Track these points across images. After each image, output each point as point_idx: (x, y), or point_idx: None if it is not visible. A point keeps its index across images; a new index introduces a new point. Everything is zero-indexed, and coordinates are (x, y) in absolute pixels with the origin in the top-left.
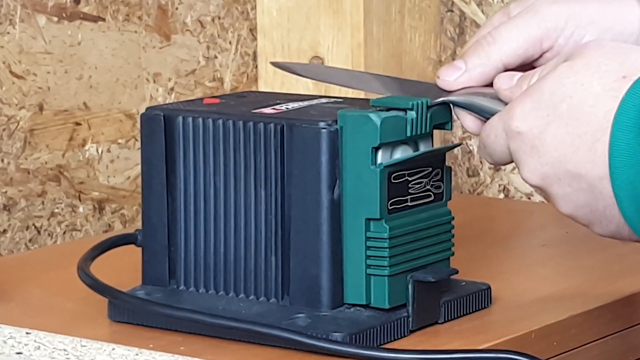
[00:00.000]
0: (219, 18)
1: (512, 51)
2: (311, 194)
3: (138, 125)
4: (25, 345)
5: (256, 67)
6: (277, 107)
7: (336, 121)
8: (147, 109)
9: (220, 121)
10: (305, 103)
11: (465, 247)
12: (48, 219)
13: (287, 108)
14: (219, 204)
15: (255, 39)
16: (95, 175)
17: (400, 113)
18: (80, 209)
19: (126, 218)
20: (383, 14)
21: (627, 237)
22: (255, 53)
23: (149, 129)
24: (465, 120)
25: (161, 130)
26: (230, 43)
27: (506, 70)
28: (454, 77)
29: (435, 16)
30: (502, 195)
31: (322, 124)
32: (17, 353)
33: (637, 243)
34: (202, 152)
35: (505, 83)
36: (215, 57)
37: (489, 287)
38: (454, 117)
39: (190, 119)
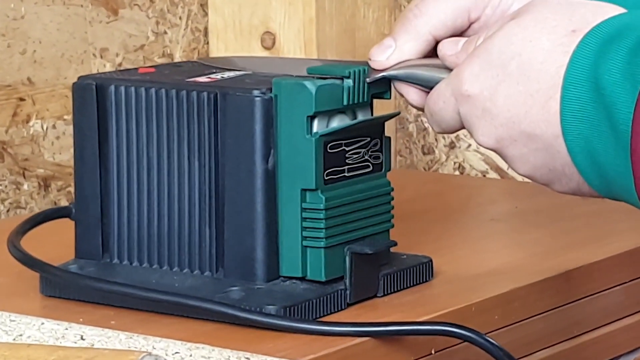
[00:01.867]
0: None
1: (440, 23)
2: (245, 163)
3: None
4: None
5: (207, 43)
6: (212, 76)
7: (270, 89)
8: (79, 77)
9: (153, 90)
10: (241, 72)
11: (413, 222)
12: None
13: (222, 77)
14: (152, 175)
15: (206, 14)
16: (41, 152)
17: (337, 81)
18: (25, 186)
19: (72, 196)
20: None
21: (587, 193)
22: (206, 29)
23: (81, 98)
24: (409, 93)
25: (93, 100)
26: (180, 18)
27: (436, 42)
28: (386, 56)
29: None
30: (457, 173)
31: (255, 92)
32: None
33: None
34: (134, 122)
35: (450, 49)
36: (165, 32)
37: (431, 260)
38: (398, 91)
39: (122, 88)
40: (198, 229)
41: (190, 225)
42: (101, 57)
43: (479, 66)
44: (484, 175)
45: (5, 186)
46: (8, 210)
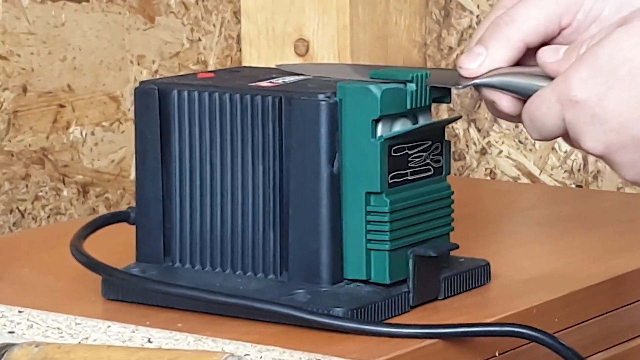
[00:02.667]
0: (203, 0)
1: (532, 29)
2: (310, 167)
3: (122, 107)
4: (18, 324)
5: (240, 50)
6: (273, 80)
7: (335, 93)
8: (141, 82)
9: (217, 94)
10: (302, 77)
11: (460, 226)
12: (32, 202)
13: (283, 81)
14: (215, 179)
15: (239, 21)
16: (80, 159)
17: (400, 85)
18: (65, 193)
19: (110, 202)
20: None
21: None
22: (239, 36)
23: (143, 103)
24: (502, 100)
25: (155, 105)
26: (214, 26)
27: (527, 49)
28: (477, 64)
29: None
30: (488, 179)
31: (321, 96)
32: (10, 332)
33: (630, 222)
34: (197, 127)
35: (551, 56)
36: (199, 39)
37: (488, 264)
38: (488, 99)
39: (185, 93)
40: (262, 232)
41: (254, 229)
42: (138, 64)
43: (587, 72)
44: (516, 181)
45: (46, 192)
46: (48, 217)
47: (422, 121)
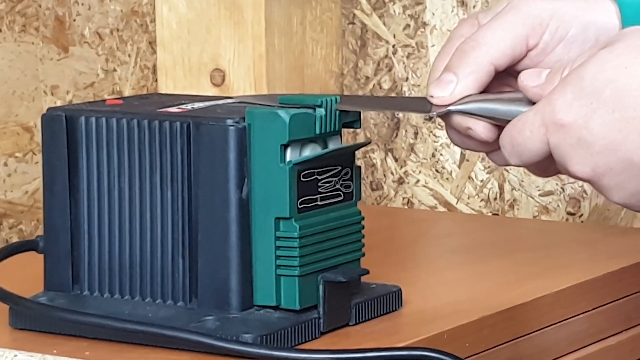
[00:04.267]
0: (118, 30)
1: (500, 52)
2: (219, 193)
3: (36, 138)
4: None
5: (156, 80)
6: (182, 106)
7: (244, 118)
8: (48, 109)
9: (125, 120)
10: (211, 103)
11: (373, 253)
12: None
13: (192, 107)
14: (124, 206)
15: (154, 52)
16: None
17: (309, 110)
18: None
19: (24, 234)
20: (284, 25)
21: None
22: (155, 66)
23: (51, 130)
24: (478, 127)
25: (63, 131)
26: (129, 56)
27: (496, 72)
28: (449, 91)
29: (336, 28)
30: (406, 208)
31: (229, 121)
32: None
33: (545, 248)
34: (105, 153)
35: (534, 80)
36: (115, 70)
37: (400, 290)
38: (463, 126)
39: (93, 119)
40: (171, 259)
41: (163, 256)
42: (52, 94)
43: (571, 94)
44: (433, 210)
45: None
46: None
47: (331, 146)
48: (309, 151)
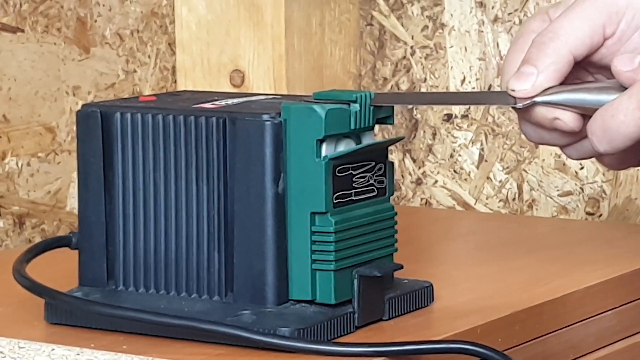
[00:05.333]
0: (138, 31)
1: (579, 41)
2: (255, 187)
3: (58, 138)
4: None
5: (175, 81)
6: (216, 102)
7: (279, 114)
8: (83, 106)
9: (160, 116)
10: (245, 99)
11: (400, 250)
12: None
13: (227, 103)
14: (159, 201)
15: (174, 53)
16: (15, 189)
17: (344, 106)
18: (0, 224)
19: (46, 233)
20: (304, 26)
21: None
22: (174, 67)
23: (86, 126)
24: (566, 117)
25: (98, 127)
26: (149, 57)
27: (576, 62)
28: (530, 84)
29: (354, 30)
30: (425, 207)
31: (265, 117)
32: None
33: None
34: (141, 149)
35: (626, 65)
36: (135, 71)
37: (431, 285)
38: (548, 117)
39: (128, 115)
40: (206, 254)
41: (199, 250)
42: (74, 94)
43: None
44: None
45: None
46: None
47: (365, 142)
48: (343, 146)
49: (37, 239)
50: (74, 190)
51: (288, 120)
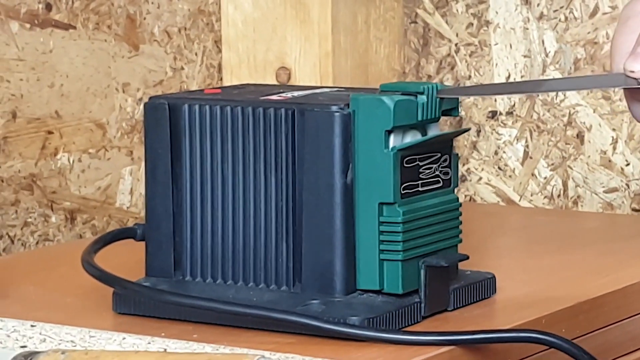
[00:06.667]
0: (185, 29)
1: None
2: (324, 178)
3: (108, 134)
4: (30, 338)
5: (221, 79)
6: (282, 94)
7: (348, 105)
8: (151, 98)
9: (228, 108)
10: (310, 91)
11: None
12: (21, 228)
13: (293, 95)
14: (227, 192)
15: (220, 50)
16: (67, 185)
17: (412, 97)
18: (53, 219)
19: (97, 229)
20: (350, 24)
21: None
22: (220, 65)
23: (154, 118)
24: None
25: (166, 119)
26: (196, 54)
27: None
28: None
29: (399, 27)
30: (472, 203)
31: (334, 108)
32: (22, 347)
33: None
34: (208, 140)
35: None
36: (182, 68)
37: (494, 276)
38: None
39: (196, 107)
40: (275, 244)
41: (267, 241)
42: (123, 91)
43: None
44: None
45: (35, 218)
46: (37, 243)
47: (431, 133)
48: (410, 138)
49: (88, 235)
50: (123, 186)
51: (357, 111)
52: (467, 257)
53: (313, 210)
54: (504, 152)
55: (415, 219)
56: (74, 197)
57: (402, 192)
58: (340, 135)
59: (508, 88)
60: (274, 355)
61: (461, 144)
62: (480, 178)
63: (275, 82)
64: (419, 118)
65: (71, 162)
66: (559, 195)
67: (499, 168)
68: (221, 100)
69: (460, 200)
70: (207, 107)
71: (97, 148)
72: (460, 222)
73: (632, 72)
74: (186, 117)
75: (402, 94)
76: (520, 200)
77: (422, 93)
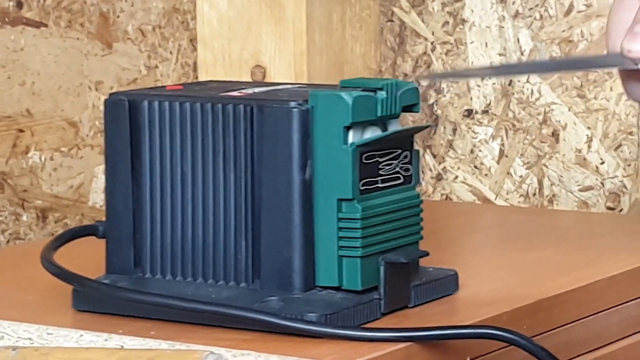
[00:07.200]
0: (160, 27)
1: None
2: (282, 174)
3: (81, 133)
4: None
5: (196, 77)
6: (243, 91)
7: (307, 101)
8: (111, 94)
9: (188, 104)
10: (272, 87)
11: (425, 241)
12: None
13: (253, 91)
14: (187, 188)
15: (195, 49)
16: (39, 184)
17: (371, 93)
18: (24, 217)
19: (69, 227)
20: (325, 22)
21: None
22: (195, 63)
23: (114, 114)
24: None
25: (126, 115)
26: (170, 53)
27: None
28: None
29: (375, 26)
30: (446, 201)
31: (293, 104)
32: None
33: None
34: (168, 137)
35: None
36: (157, 66)
37: (456, 273)
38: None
39: (156, 103)
40: (234, 241)
41: (226, 237)
42: (96, 89)
43: None
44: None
45: (5, 217)
46: (8, 241)
47: (392, 129)
48: (370, 134)
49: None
50: (96, 185)
51: (315, 107)
52: (427, 254)
53: (272, 206)
54: (480, 150)
55: (374, 215)
56: (46, 196)
57: (361, 188)
58: (298, 131)
59: (499, 70)
60: (229, 352)
61: (437, 143)
62: (457, 177)
63: (250, 81)
64: (379, 114)
65: (43, 160)
66: (534, 194)
67: (475, 167)
68: (181, 96)
69: (437, 199)
70: (167, 103)
71: (69, 146)
72: (421, 219)
73: (630, 51)
74: (146, 113)
75: (362, 90)
76: (496, 198)
77: (381, 89)
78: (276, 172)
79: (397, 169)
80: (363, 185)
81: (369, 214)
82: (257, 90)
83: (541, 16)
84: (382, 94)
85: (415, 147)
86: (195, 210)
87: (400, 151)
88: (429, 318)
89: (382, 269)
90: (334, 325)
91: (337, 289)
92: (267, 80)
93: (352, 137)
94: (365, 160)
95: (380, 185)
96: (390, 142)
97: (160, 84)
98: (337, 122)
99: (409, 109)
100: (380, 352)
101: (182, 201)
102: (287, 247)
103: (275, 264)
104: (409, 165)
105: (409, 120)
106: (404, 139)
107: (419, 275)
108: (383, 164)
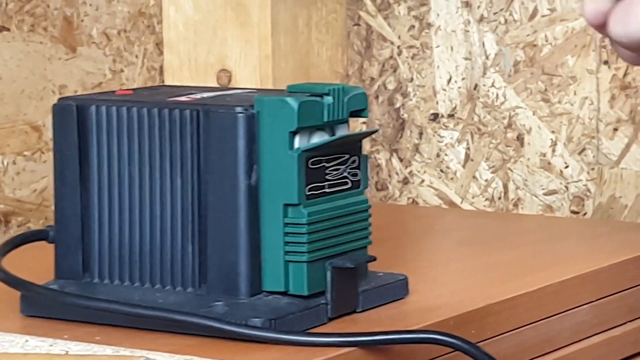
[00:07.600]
0: (125, 31)
1: None
2: (228, 179)
3: (44, 137)
4: None
5: (163, 81)
6: (191, 96)
7: (252, 106)
8: (59, 99)
9: (135, 109)
10: (220, 92)
11: (380, 246)
12: None
13: (202, 96)
14: (134, 193)
15: (161, 53)
16: (1, 188)
17: (317, 98)
18: None
19: None
20: (290, 26)
21: None
22: (161, 67)
23: (62, 119)
24: None
25: (74, 120)
26: (136, 57)
27: None
28: None
29: (341, 30)
30: (411, 205)
31: (238, 109)
32: None
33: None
34: (116, 142)
35: None
36: (122, 70)
37: (406, 278)
38: None
39: (103, 108)
40: (180, 246)
41: (173, 242)
42: (60, 93)
43: None
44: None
45: None
46: None
47: (339, 134)
48: (317, 139)
49: None
50: None
51: (261, 112)
52: (375, 259)
53: (218, 211)
54: (446, 154)
55: (320, 220)
56: (8, 200)
57: (308, 193)
58: (244, 136)
59: None
60: (172, 358)
61: (404, 147)
62: (423, 180)
63: (216, 84)
64: (325, 119)
65: (5, 164)
66: (499, 198)
67: (441, 170)
68: (128, 101)
69: (403, 203)
70: (114, 108)
71: (32, 150)
72: (370, 224)
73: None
74: (94, 118)
75: (308, 95)
76: (461, 202)
77: (327, 94)
78: (222, 177)
79: (345, 174)
80: (309, 190)
81: (315, 219)
82: (205, 95)
83: (506, 20)
84: (328, 99)
85: (377, 158)
86: (143, 215)
87: (347, 156)
88: (376, 323)
89: (328, 274)
90: (278, 330)
91: (284, 294)
92: (233, 84)
93: (298, 142)
94: (312, 165)
95: (327, 190)
96: (338, 147)
97: (125, 88)
98: (283, 127)
99: (356, 114)
100: (324, 357)
101: (129, 206)
102: (233, 252)
103: (222, 269)
104: (357, 170)
105: (375, 124)
106: (352, 144)
107: (367, 280)
108: (330, 169)
